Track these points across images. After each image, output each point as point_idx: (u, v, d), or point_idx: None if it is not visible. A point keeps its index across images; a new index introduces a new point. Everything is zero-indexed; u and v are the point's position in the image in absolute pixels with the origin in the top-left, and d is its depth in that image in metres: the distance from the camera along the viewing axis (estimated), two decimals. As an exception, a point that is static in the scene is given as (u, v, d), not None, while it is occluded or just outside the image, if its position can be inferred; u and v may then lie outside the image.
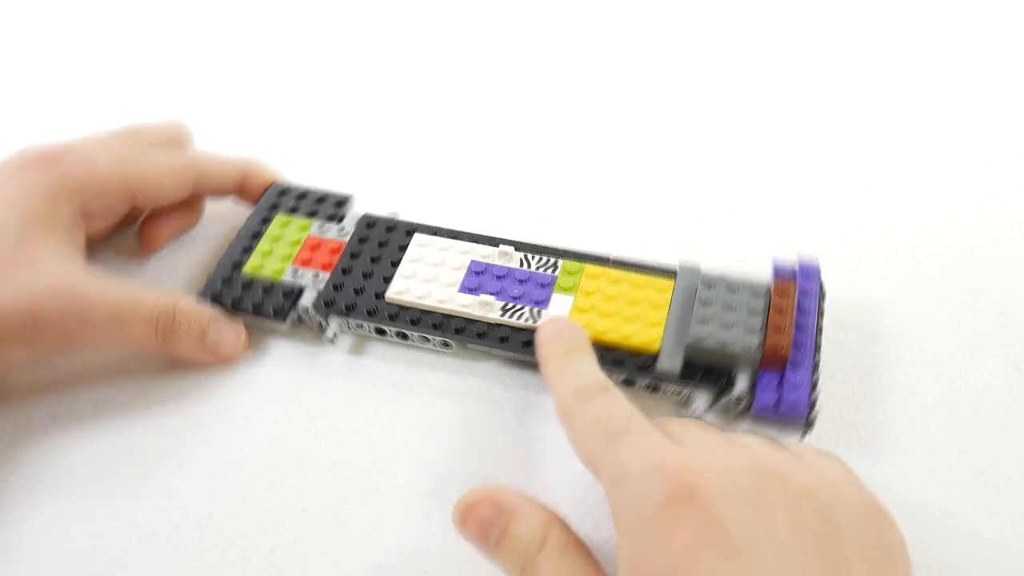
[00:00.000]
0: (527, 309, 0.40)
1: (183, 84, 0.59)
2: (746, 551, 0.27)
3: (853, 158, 0.50)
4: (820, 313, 0.39)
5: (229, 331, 0.42)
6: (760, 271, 0.40)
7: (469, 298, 0.41)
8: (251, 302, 0.42)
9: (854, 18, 0.60)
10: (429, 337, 0.41)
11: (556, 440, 0.38)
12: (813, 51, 0.58)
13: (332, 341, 0.42)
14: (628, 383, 0.39)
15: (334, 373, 0.41)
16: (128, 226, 0.48)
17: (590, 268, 0.41)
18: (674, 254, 0.43)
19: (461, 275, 0.42)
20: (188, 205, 0.47)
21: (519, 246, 0.43)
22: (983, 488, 0.36)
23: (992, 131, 0.51)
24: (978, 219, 0.46)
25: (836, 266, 0.44)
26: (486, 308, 0.40)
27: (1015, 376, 0.40)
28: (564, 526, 0.32)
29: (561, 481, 0.37)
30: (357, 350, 0.42)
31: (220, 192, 0.47)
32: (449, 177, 0.51)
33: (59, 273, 0.38)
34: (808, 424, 0.36)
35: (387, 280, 0.42)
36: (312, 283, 0.42)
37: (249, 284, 0.43)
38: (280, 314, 0.41)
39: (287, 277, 0.43)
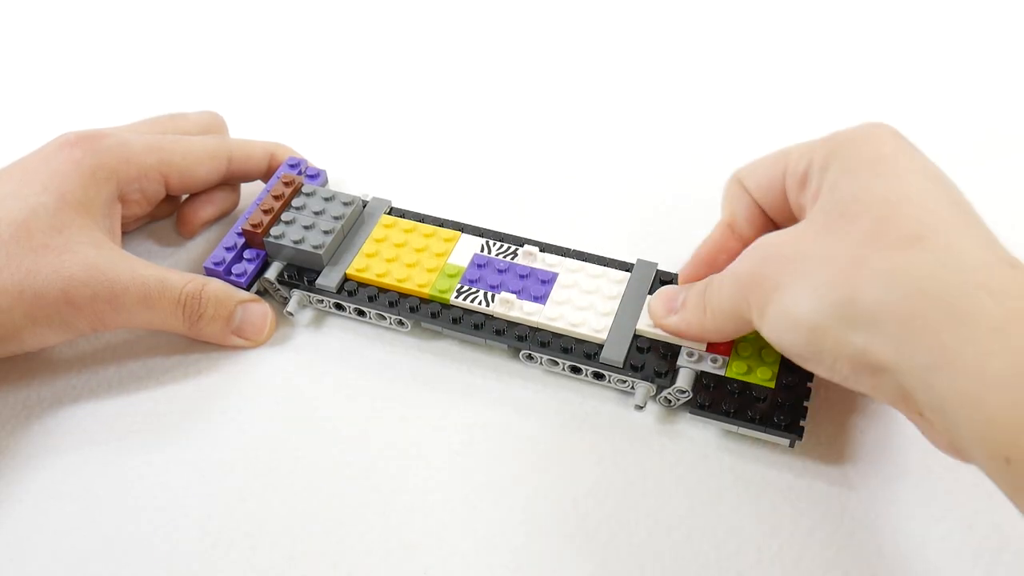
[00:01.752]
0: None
1: (204, 79, 0.60)
2: None
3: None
4: None
5: (256, 314, 0.42)
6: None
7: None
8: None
9: (831, 21, 0.60)
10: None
11: (555, 441, 0.39)
12: (784, 53, 0.58)
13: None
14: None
15: (331, 368, 0.42)
16: (167, 215, 0.49)
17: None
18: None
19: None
20: (224, 191, 0.48)
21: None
22: (981, 488, 0.36)
23: (982, 131, 0.51)
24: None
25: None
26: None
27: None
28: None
29: (548, 451, 0.38)
30: (351, 342, 0.43)
31: (250, 176, 0.48)
32: (421, 163, 0.52)
33: (92, 256, 0.39)
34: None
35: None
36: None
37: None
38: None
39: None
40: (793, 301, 0.31)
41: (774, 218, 0.38)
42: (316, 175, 0.48)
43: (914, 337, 0.28)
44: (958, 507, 0.36)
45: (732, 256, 0.38)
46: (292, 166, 0.47)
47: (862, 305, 0.29)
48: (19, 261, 0.38)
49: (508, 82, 0.58)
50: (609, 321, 0.40)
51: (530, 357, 0.40)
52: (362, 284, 0.42)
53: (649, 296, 0.40)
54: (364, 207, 0.45)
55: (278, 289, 0.43)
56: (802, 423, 0.36)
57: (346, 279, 0.42)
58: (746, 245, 0.38)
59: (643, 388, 0.38)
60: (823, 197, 0.32)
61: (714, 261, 0.39)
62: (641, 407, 0.38)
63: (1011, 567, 0.34)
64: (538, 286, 0.41)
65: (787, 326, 0.31)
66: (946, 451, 0.31)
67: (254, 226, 0.43)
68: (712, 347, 0.38)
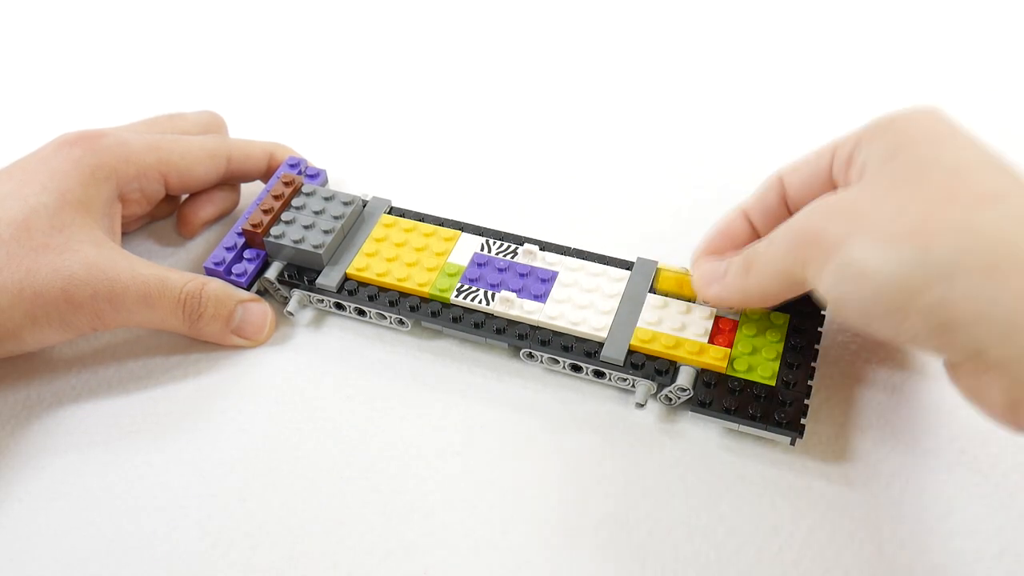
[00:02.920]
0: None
1: (204, 79, 0.60)
2: None
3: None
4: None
5: (256, 314, 0.42)
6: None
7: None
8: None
9: (832, 20, 0.60)
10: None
11: (555, 440, 0.39)
12: (784, 54, 0.58)
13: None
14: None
15: (331, 368, 0.42)
16: (167, 215, 0.49)
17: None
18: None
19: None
20: (224, 190, 0.48)
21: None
22: (983, 488, 0.36)
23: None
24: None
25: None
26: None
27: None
28: None
29: (548, 450, 0.38)
30: (351, 341, 0.43)
31: (250, 175, 0.48)
32: (421, 163, 0.52)
33: (92, 255, 0.39)
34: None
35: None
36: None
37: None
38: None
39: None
40: (861, 254, 0.29)
41: None
42: (316, 175, 0.48)
43: (996, 288, 0.27)
44: (960, 508, 0.35)
45: (736, 242, 0.38)
46: (292, 166, 0.47)
47: (940, 256, 0.28)
48: (19, 260, 0.38)
49: (507, 82, 0.58)
50: (609, 319, 0.40)
51: (530, 356, 0.40)
52: (362, 283, 0.42)
53: (690, 274, 0.40)
54: (364, 207, 0.45)
55: (278, 289, 0.43)
56: (803, 421, 0.36)
57: (346, 278, 0.42)
58: (757, 233, 0.39)
59: (644, 386, 0.38)
60: (881, 165, 0.32)
61: (725, 240, 0.39)
62: (642, 405, 0.38)
63: (1013, 568, 0.34)
64: (538, 285, 0.41)
65: (853, 281, 0.30)
66: (1001, 416, 0.30)
67: (254, 226, 0.43)
68: (714, 338, 0.38)
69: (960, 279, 0.28)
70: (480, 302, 0.41)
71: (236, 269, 0.43)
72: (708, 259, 0.39)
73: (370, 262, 0.42)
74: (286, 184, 0.45)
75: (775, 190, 0.38)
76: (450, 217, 0.45)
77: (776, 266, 0.34)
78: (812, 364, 0.38)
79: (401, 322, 0.42)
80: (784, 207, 0.38)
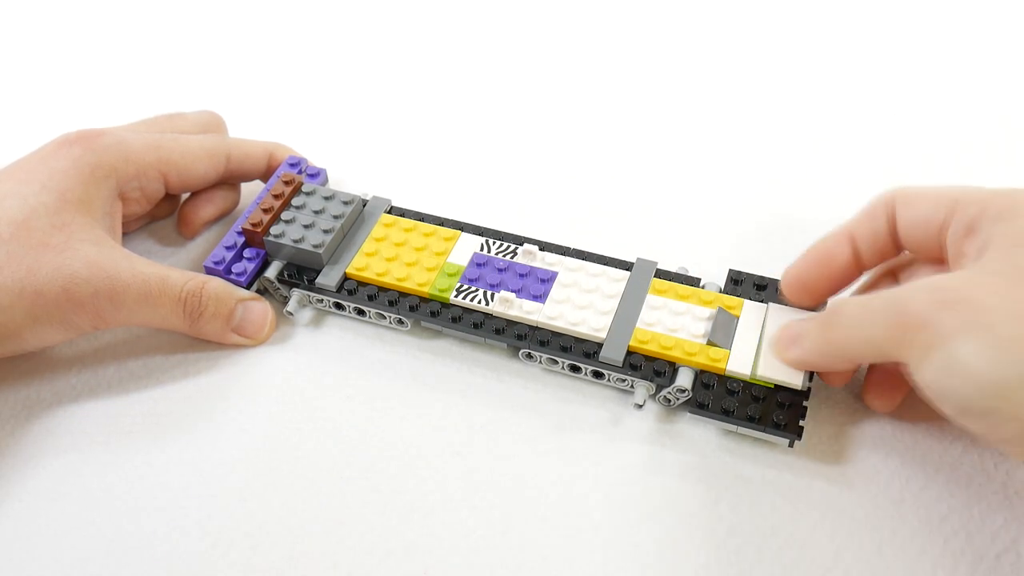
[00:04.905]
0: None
1: (204, 79, 0.60)
2: None
3: (832, 168, 0.51)
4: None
5: (256, 313, 0.42)
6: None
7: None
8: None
9: (835, 21, 0.60)
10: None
11: (555, 440, 0.39)
12: (780, 57, 0.58)
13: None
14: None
15: (331, 368, 0.42)
16: (167, 215, 0.49)
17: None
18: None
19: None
20: (224, 190, 0.48)
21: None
22: (983, 488, 0.36)
23: (956, 136, 0.51)
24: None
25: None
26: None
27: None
28: None
29: (547, 450, 0.38)
30: (351, 341, 0.43)
31: (249, 175, 0.48)
32: (421, 162, 0.52)
33: (93, 254, 0.39)
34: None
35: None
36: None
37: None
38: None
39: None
40: (973, 351, 0.29)
41: (911, 249, 0.37)
42: (316, 174, 0.48)
43: None
44: (961, 509, 0.35)
45: (839, 267, 0.37)
46: (292, 165, 0.47)
47: None
48: (20, 259, 0.38)
49: (507, 82, 0.58)
50: (609, 320, 0.40)
51: (529, 356, 0.40)
52: (362, 283, 0.42)
53: (766, 329, 0.39)
54: (364, 206, 0.45)
55: (278, 288, 0.43)
56: (801, 423, 0.36)
57: (346, 278, 0.42)
58: (859, 262, 0.37)
59: (643, 387, 0.38)
60: (1006, 252, 0.31)
61: (823, 265, 0.38)
62: (640, 406, 0.38)
63: (1013, 568, 0.34)
64: (537, 285, 0.41)
65: (959, 376, 0.29)
66: None
67: (254, 225, 0.43)
68: (712, 346, 0.38)
69: None
70: (479, 302, 0.41)
71: (236, 268, 0.43)
72: (790, 309, 0.39)
73: (370, 262, 0.42)
74: (286, 183, 0.45)
75: (885, 216, 0.37)
76: (450, 217, 0.45)
77: (869, 336, 0.33)
78: None
79: (401, 322, 0.42)
80: (891, 240, 0.37)
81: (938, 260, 0.36)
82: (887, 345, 0.32)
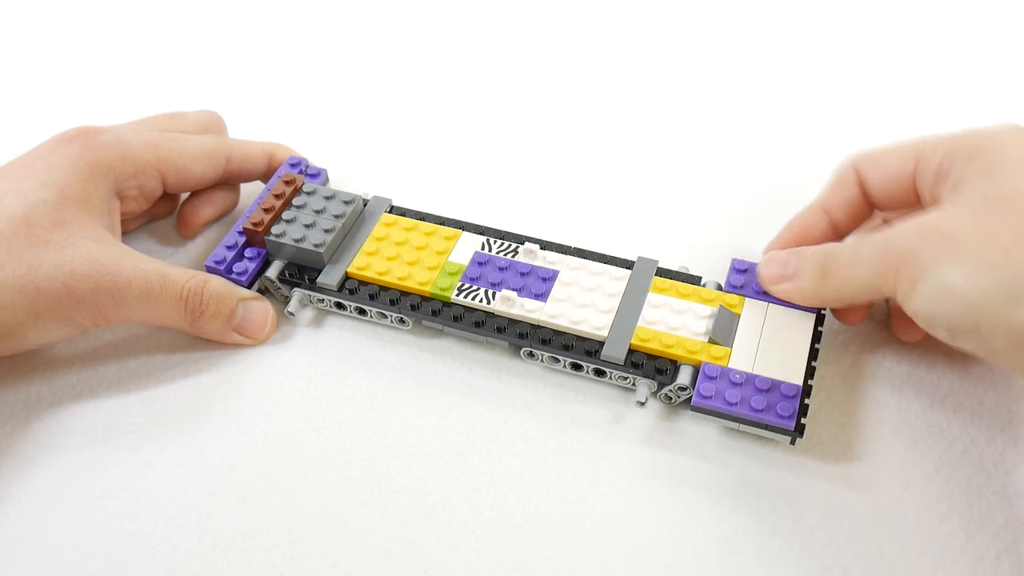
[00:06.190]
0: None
1: (204, 79, 0.60)
2: None
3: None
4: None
5: (257, 312, 0.42)
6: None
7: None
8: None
9: (830, 19, 0.60)
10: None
11: (556, 439, 0.39)
12: (778, 57, 0.58)
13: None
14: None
15: (332, 367, 0.42)
16: (166, 215, 0.49)
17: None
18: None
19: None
20: (224, 191, 0.48)
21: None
22: (984, 488, 0.36)
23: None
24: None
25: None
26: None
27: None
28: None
29: (548, 449, 0.38)
30: (352, 340, 0.42)
31: (249, 175, 0.48)
32: (422, 162, 0.52)
33: (94, 250, 0.39)
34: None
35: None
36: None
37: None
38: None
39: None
40: (954, 275, 0.31)
41: (884, 207, 0.39)
42: (317, 174, 0.48)
43: None
44: (961, 509, 0.35)
45: (817, 239, 0.39)
46: (293, 165, 0.47)
47: None
48: (20, 256, 0.38)
49: (507, 81, 0.58)
50: (610, 318, 0.39)
51: (531, 355, 0.40)
52: (363, 282, 0.42)
53: (756, 264, 0.41)
54: (365, 206, 0.45)
55: (279, 288, 0.43)
56: (803, 420, 0.36)
57: (347, 277, 0.42)
58: (836, 231, 0.39)
59: (644, 385, 0.38)
60: (974, 185, 0.33)
61: (802, 239, 0.40)
62: (642, 404, 0.38)
63: (1013, 568, 0.34)
64: (539, 284, 0.41)
65: (945, 299, 0.32)
66: None
67: (255, 224, 0.43)
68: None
69: None
70: (481, 301, 0.40)
71: (237, 268, 0.43)
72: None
73: (371, 261, 0.42)
74: (287, 183, 0.45)
75: (853, 181, 0.39)
76: (451, 216, 0.45)
77: (861, 277, 0.35)
78: (812, 364, 0.38)
79: (402, 321, 0.42)
80: (865, 201, 0.39)
81: (914, 210, 0.37)
82: (878, 282, 0.34)
